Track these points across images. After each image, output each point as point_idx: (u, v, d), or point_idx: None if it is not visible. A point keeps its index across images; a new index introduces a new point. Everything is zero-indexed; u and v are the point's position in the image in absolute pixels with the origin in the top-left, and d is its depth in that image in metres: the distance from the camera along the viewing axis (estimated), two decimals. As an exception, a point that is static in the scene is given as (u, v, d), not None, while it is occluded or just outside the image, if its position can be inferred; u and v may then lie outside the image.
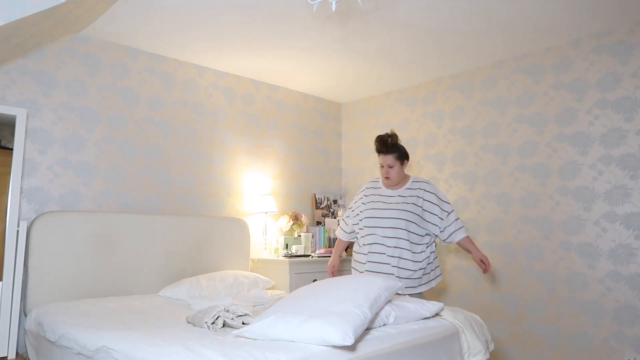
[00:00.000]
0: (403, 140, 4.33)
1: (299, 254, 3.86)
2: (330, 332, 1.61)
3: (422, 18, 3.03)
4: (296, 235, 4.12)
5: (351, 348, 1.68)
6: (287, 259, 3.62)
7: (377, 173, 4.52)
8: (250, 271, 3.89)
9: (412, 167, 4.24)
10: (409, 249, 2.65)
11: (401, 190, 2.76)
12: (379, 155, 2.76)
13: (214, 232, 3.58)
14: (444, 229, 2.71)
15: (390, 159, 2.70)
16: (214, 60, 3.77)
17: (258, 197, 4.00)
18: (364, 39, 3.36)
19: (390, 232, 2.66)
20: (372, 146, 4.54)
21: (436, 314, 2.22)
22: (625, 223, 3.03)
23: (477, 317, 2.34)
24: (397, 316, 2.01)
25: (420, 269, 2.67)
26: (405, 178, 2.80)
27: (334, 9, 1.99)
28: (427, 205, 2.71)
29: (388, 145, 2.71)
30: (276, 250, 4.01)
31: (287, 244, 3.98)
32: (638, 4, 2.86)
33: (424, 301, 2.22)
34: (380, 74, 4.08)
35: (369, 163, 4.62)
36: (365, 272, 2.70)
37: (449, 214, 2.72)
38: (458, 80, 4.01)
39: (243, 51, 3.58)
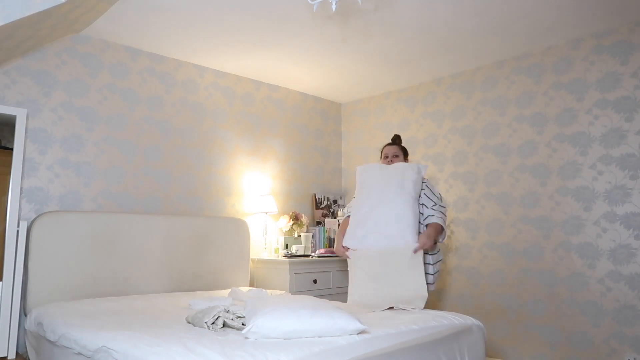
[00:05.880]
0: (403, 140, 4.33)
1: (299, 254, 3.86)
2: (347, 320, 1.76)
3: (422, 18, 3.03)
4: (296, 235, 4.12)
5: (351, 348, 1.68)
6: (287, 259, 3.62)
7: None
8: (250, 271, 3.89)
9: (412, 167, 4.24)
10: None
11: None
12: (383, 150, 3.08)
13: (214, 232, 3.58)
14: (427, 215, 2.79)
15: (395, 148, 3.04)
16: (214, 60, 3.77)
17: (258, 197, 4.00)
18: (364, 39, 3.36)
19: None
20: (372, 146, 4.59)
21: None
22: (625, 223, 3.03)
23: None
24: None
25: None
26: None
27: (334, 9, 1.99)
28: (423, 199, 2.82)
29: (395, 139, 3.13)
30: (276, 250, 4.01)
31: (287, 244, 3.98)
32: (638, 4, 2.86)
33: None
34: (380, 74, 4.08)
35: (369, 163, 4.62)
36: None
37: (436, 205, 2.79)
38: (458, 80, 4.01)
39: (243, 51, 3.58)
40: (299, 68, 3.95)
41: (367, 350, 1.72)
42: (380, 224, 2.66)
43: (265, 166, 4.23)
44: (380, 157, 3.11)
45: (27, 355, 2.63)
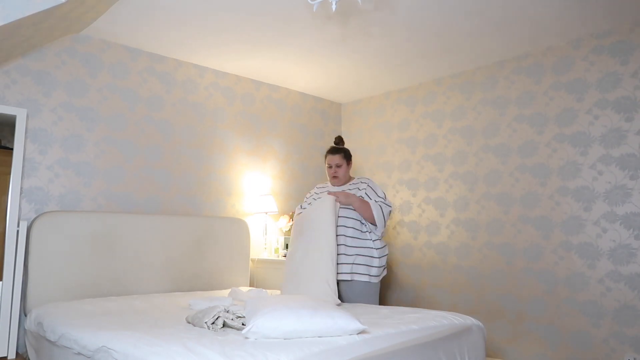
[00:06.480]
0: (403, 140, 4.35)
1: (299, 254, 3.85)
2: (347, 320, 1.76)
3: (422, 18, 3.03)
4: (296, 235, 4.12)
5: (351, 348, 1.68)
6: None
7: (377, 173, 4.52)
8: (250, 271, 3.89)
9: (412, 167, 4.25)
10: (353, 236, 2.78)
11: (345, 186, 2.96)
12: (326, 159, 2.99)
13: (214, 232, 3.58)
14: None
15: (337, 158, 2.94)
16: (214, 60, 3.77)
17: (258, 197, 4.00)
18: (364, 39, 3.36)
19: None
20: (373, 146, 4.59)
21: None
22: (625, 223, 3.03)
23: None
24: None
25: (370, 256, 2.79)
26: (350, 178, 3.02)
27: (334, 9, 1.99)
28: (363, 194, 2.86)
29: (336, 146, 3.02)
30: (276, 250, 4.01)
31: (287, 244, 3.98)
32: (638, 4, 2.86)
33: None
34: (380, 74, 4.08)
35: (369, 163, 4.62)
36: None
37: (377, 202, 2.79)
38: (458, 80, 4.01)
39: (243, 51, 3.58)
40: (299, 68, 3.95)
41: (367, 350, 1.72)
42: (303, 279, 2.68)
43: (265, 166, 4.23)
44: (325, 163, 3.01)
45: (27, 355, 2.63)
